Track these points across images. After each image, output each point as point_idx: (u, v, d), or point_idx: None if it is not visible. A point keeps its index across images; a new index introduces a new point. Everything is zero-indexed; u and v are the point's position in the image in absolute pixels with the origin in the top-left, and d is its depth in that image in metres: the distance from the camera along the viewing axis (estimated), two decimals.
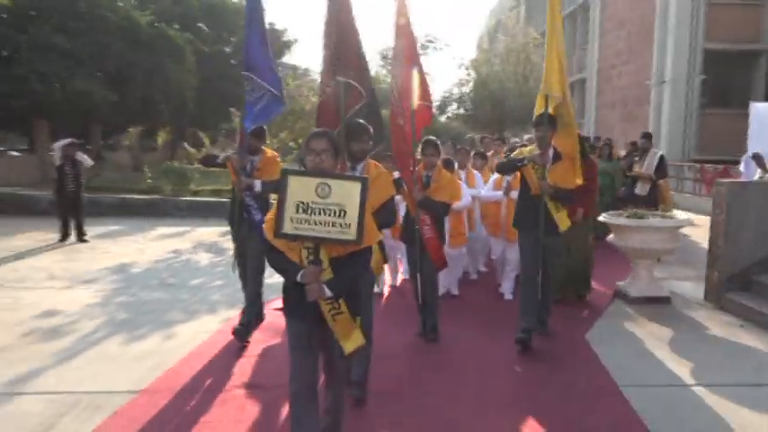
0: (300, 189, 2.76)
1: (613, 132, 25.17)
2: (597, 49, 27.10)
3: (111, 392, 4.01)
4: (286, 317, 3.02)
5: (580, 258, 6.30)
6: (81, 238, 9.89)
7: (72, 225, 9.92)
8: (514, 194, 5.77)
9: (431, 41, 18.78)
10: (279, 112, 5.20)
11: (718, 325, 5.64)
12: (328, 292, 2.83)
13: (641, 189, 8.02)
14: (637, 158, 8.34)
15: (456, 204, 5.68)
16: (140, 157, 23.63)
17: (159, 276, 7.50)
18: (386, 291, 6.84)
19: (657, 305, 6.19)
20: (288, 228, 2.77)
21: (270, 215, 2.88)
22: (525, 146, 5.84)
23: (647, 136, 8.71)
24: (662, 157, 8.26)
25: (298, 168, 3.16)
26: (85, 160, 10.19)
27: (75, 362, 4.59)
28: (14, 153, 22.39)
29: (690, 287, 6.89)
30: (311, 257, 2.83)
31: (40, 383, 4.17)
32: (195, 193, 13.93)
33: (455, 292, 6.69)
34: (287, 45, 34.15)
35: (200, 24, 29.66)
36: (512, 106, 17.58)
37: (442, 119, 18.11)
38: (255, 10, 5.03)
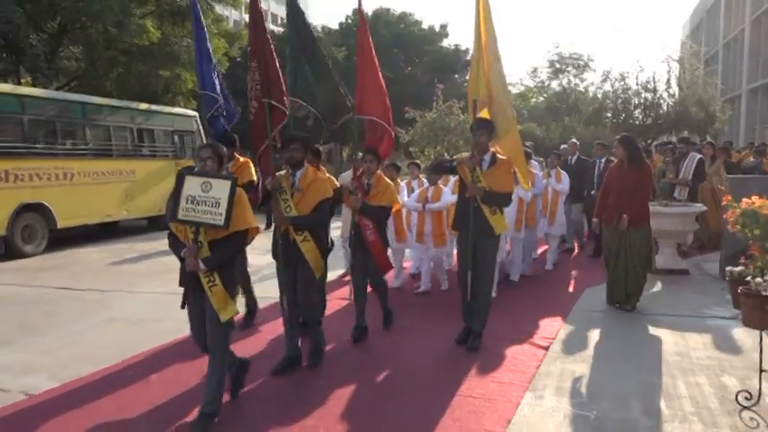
0: (191, 185, 3.58)
1: None
2: None
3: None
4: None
5: (631, 268, 6.12)
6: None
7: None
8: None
9: (575, 58, 20.03)
10: (235, 119, 5.77)
11: (704, 287, 7.17)
12: (202, 266, 3.56)
13: (679, 194, 8.59)
14: (670, 163, 8.86)
15: (436, 205, 6.81)
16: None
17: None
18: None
19: (675, 275, 7.76)
20: (180, 214, 3.57)
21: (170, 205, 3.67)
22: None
23: (685, 140, 9.43)
24: (700, 161, 8.72)
25: (196, 171, 3.83)
26: None
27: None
28: None
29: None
30: (193, 238, 3.60)
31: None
32: None
33: (445, 287, 7.24)
34: (468, 64, 36.90)
35: (395, 50, 33.74)
36: (665, 112, 18.34)
37: (591, 127, 19.42)
38: (201, 36, 5.75)
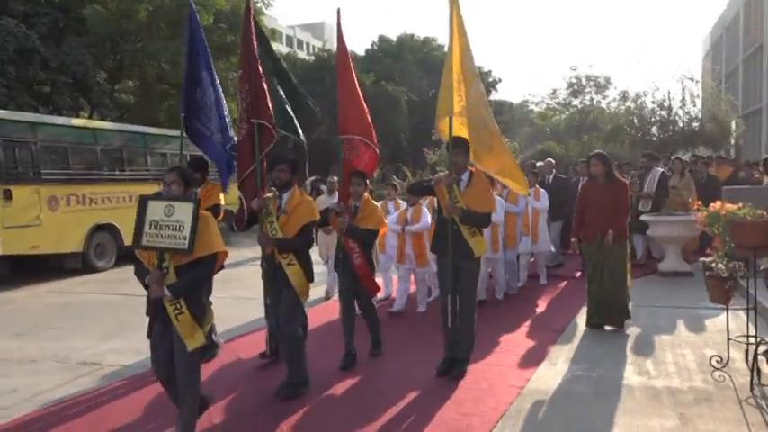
0: (154, 210, 3.44)
1: None
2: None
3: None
4: None
5: (613, 284, 6.09)
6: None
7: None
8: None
9: (593, 79, 21.04)
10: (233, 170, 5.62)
11: (703, 285, 8.06)
12: (167, 292, 3.37)
13: (644, 206, 9.06)
14: (637, 179, 9.33)
15: (416, 227, 6.78)
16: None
17: None
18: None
19: (679, 277, 8.72)
20: (144, 240, 3.43)
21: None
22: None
23: (648, 155, 9.86)
24: (663, 175, 9.17)
25: (159, 195, 3.67)
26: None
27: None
28: None
29: None
30: (158, 264, 3.43)
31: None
32: None
33: (422, 308, 7.15)
34: (492, 85, 38.16)
35: (419, 74, 35.17)
36: (679, 129, 19.26)
37: (609, 144, 20.38)
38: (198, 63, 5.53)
